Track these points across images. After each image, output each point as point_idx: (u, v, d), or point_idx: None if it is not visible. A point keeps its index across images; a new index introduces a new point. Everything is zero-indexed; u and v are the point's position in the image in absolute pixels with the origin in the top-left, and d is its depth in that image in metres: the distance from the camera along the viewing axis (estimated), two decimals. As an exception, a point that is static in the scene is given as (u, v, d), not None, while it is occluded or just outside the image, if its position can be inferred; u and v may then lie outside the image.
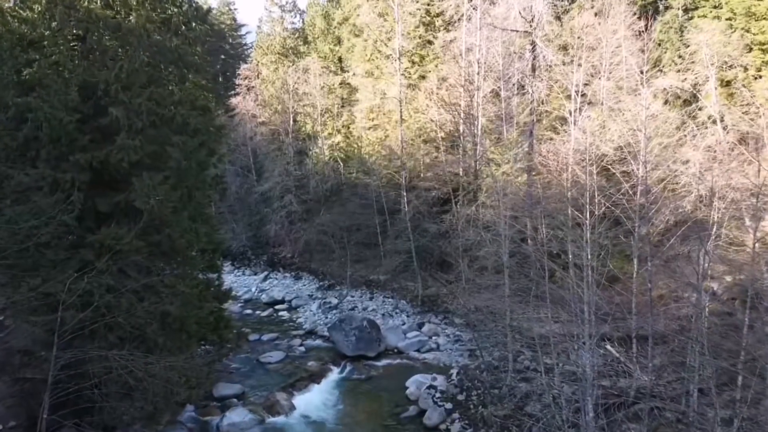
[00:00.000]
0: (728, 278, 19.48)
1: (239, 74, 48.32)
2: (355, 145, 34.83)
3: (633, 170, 16.08)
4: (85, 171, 13.88)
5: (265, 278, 33.32)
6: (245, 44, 62.93)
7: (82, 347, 12.84)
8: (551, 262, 20.25)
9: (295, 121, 40.08)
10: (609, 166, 17.29)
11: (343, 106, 43.77)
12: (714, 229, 15.41)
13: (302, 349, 23.07)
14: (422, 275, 26.97)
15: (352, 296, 28.67)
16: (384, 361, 21.97)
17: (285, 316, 27.51)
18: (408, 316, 25.91)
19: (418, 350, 22.85)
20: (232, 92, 47.25)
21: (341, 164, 34.19)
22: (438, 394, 18.47)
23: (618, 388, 17.56)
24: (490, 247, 24.85)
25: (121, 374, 13.32)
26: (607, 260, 16.21)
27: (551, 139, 24.02)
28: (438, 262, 29.14)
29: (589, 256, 14.20)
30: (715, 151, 17.77)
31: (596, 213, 15.03)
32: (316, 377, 20.59)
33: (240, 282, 33.64)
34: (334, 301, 28.27)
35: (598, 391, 15.34)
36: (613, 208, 16.44)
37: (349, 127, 39.74)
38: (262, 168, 37.19)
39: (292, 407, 18.40)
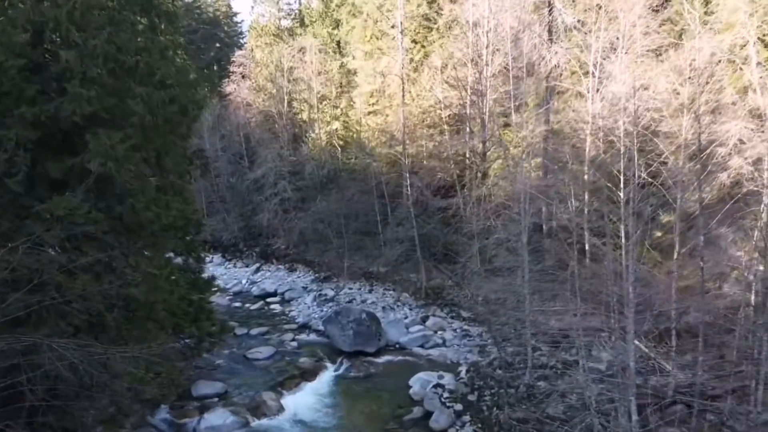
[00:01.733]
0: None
1: (233, 61, 46.21)
2: (355, 129, 32.65)
3: (677, 131, 13.84)
4: (32, 128, 11.69)
5: (257, 270, 31.12)
6: (241, 32, 60.89)
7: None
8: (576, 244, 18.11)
9: (290, 106, 37.98)
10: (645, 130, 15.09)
11: (341, 93, 41.68)
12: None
13: (294, 344, 20.87)
14: (426, 265, 24.75)
15: (350, 288, 26.46)
16: (384, 358, 19.78)
17: (277, 309, 25.31)
18: (410, 309, 23.72)
19: (422, 346, 20.66)
20: (226, 80, 45.16)
21: (339, 149, 31.98)
22: (446, 394, 16.29)
23: (652, 386, 15.42)
24: (502, 233, 22.70)
25: (76, 368, 11.15)
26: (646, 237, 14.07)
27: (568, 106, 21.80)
28: (443, 252, 26.96)
29: (631, 231, 11.96)
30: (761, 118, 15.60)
31: (636, 180, 12.82)
32: (308, 375, 18.41)
33: (230, 274, 31.47)
34: (331, 293, 26.08)
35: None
36: (650, 179, 14.30)
37: (348, 114, 37.63)
38: (255, 156, 34.98)
39: (281, 408, 16.22)
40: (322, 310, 24.06)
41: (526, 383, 16.04)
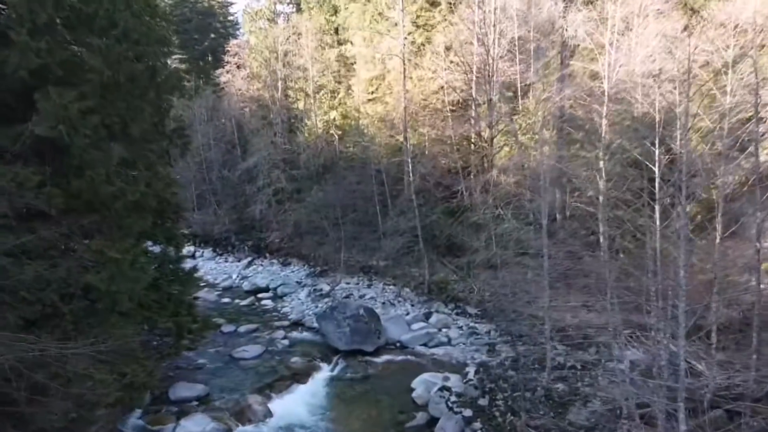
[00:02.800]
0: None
1: (228, 50, 44.49)
2: (353, 116, 30.90)
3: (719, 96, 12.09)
4: (-29, 86, 9.94)
5: (249, 264, 29.35)
6: (236, 23, 59.12)
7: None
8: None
9: (285, 95, 36.24)
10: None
11: (339, 83, 40.01)
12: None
13: (285, 342, 19.10)
14: (429, 258, 22.98)
15: (347, 283, 24.70)
16: (384, 357, 18.03)
17: (268, 305, 23.54)
18: (412, 306, 21.95)
19: (425, 344, 18.90)
20: (221, 70, 43.43)
21: (336, 137, 30.21)
22: (453, 398, 14.53)
23: (688, 389, 13.66)
24: (513, 221, 20.95)
25: (20, 368, 9.43)
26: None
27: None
28: (446, 244, 25.21)
29: (682, 210, 10.21)
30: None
31: (687, 142, 11.06)
32: (300, 376, 16.64)
33: (220, 269, 29.72)
34: (326, 288, 24.31)
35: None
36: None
37: (346, 104, 35.92)
38: (248, 145, 33.19)
39: (268, 413, 14.46)
40: (316, 306, 22.30)
41: (544, 386, 14.26)
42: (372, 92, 35.31)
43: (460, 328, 20.15)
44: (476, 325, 20.23)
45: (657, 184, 11.72)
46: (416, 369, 16.99)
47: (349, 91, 36.92)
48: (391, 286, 23.77)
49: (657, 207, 11.80)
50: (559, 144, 21.26)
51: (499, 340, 18.88)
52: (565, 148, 21.62)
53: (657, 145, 12.04)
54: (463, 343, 19.06)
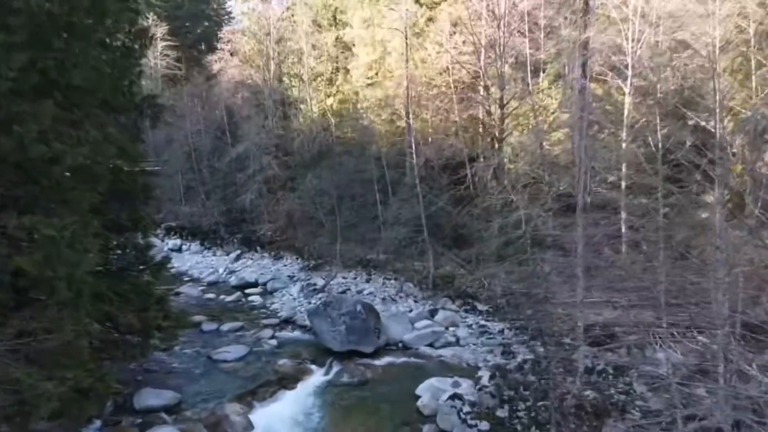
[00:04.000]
0: None
1: (221, 38, 42.38)
2: (351, 98, 28.76)
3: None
4: None
5: (237, 258, 27.17)
6: (230, 12, 56.97)
7: None
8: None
9: (279, 81, 34.10)
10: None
11: (337, 70, 37.90)
12: None
13: (273, 342, 16.92)
14: (435, 250, 20.82)
15: (344, 277, 22.54)
16: (385, 359, 15.87)
17: (256, 301, 21.35)
18: (416, 302, 19.79)
19: (430, 345, 16.74)
20: (212, 56, 41.30)
21: (333, 122, 28.04)
22: (466, 408, 12.37)
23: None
24: (529, 207, 18.81)
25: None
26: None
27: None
28: (452, 235, 23.07)
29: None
30: None
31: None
32: (288, 381, 14.46)
33: (206, 263, 27.56)
34: (321, 282, 22.13)
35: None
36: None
37: (344, 91, 33.79)
38: (239, 131, 31.01)
39: (249, 425, 12.28)
40: (309, 303, 20.14)
41: (575, 393, 12.09)
42: (371, 77, 33.25)
43: (470, 326, 18.00)
44: (487, 323, 18.09)
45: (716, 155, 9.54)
46: (421, 373, 14.84)
47: (347, 77, 34.85)
48: (392, 281, 21.61)
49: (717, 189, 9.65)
50: (580, 124, 19.09)
51: (515, 340, 16.73)
52: (585, 128, 19.49)
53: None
54: (474, 344, 16.92)
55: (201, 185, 31.83)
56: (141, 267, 13.86)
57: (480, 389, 13.34)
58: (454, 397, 12.79)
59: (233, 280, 23.91)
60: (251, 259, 26.98)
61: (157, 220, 35.16)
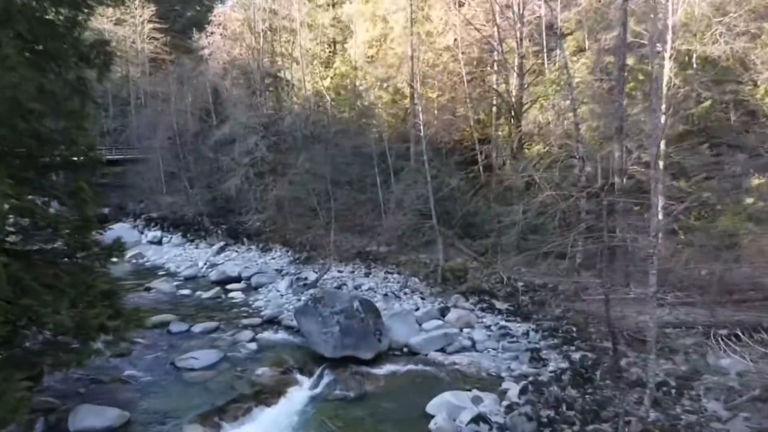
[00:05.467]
0: None
1: (212, 20, 39.54)
2: (350, 74, 25.96)
3: None
4: None
5: (221, 250, 24.31)
6: (224, -4, 54.05)
7: None
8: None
9: (271, 61, 31.30)
10: None
11: (334, 52, 35.18)
12: None
13: (253, 346, 14.05)
14: (445, 238, 18.00)
15: (340, 271, 19.71)
16: (387, 367, 13.05)
17: (237, 298, 18.50)
18: (423, 299, 16.96)
19: (442, 350, 13.93)
20: (200, 34, 38.46)
21: (329, 99, 25.21)
22: (494, 433, 9.52)
23: None
24: (558, 187, 15.99)
25: None
26: None
27: None
28: (463, 224, 20.26)
29: None
30: None
31: None
32: (268, 395, 11.64)
33: (186, 255, 24.72)
34: (312, 276, 19.27)
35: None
36: None
37: (342, 71, 31.05)
38: (226, 113, 28.15)
39: (212, 456, 9.44)
40: (299, 300, 17.30)
41: (641, 416, 9.22)
42: (371, 56, 30.54)
43: (488, 327, 15.17)
44: (508, 323, 15.25)
45: None
46: (432, 385, 12.06)
47: (345, 56, 32.12)
48: (395, 275, 18.79)
49: None
50: (618, 88, 16.28)
51: (543, 345, 13.88)
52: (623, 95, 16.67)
53: None
54: (493, 348, 14.09)
55: (185, 172, 28.96)
56: (80, 252, 11.01)
57: (509, 407, 10.49)
58: (478, 419, 9.95)
59: (214, 274, 21.04)
60: (236, 251, 24.14)
61: (138, 210, 32.65)
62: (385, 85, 28.09)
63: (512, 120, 19.21)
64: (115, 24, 44.29)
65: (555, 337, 14.20)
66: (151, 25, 44.49)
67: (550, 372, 12.47)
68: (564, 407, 10.16)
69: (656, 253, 8.71)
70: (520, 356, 13.42)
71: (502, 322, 15.31)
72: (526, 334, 14.60)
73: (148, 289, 19.30)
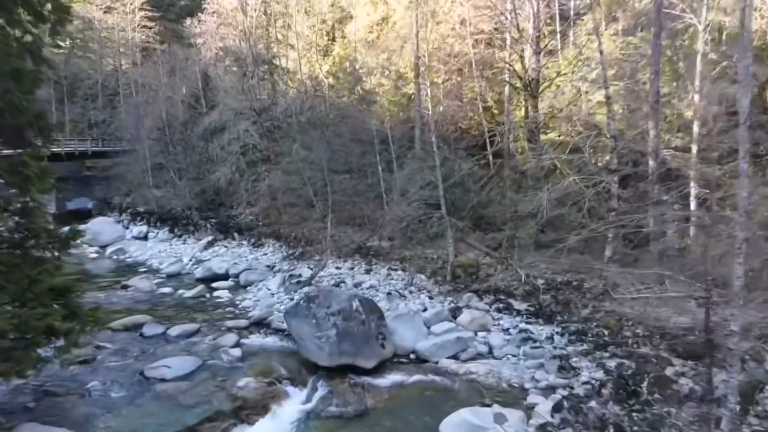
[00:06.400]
0: None
1: (206, 7, 37.70)
2: (351, 56, 24.13)
3: None
4: None
5: (209, 245, 22.44)
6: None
7: None
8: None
9: (267, 46, 29.51)
10: None
11: (333, 39, 33.34)
12: None
13: (236, 353, 12.16)
14: (455, 231, 16.15)
15: (338, 268, 17.85)
16: (392, 377, 11.20)
17: (223, 297, 16.63)
18: (431, 298, 15.11)
19: (455, 357, 12.09)
20: (191, 19, 36.62)
21: (326, 83, 23.35)
22: (528, 465, 7.66)
23: None
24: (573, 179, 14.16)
25: None
26: None
27: None
28: (473, 217, 18.43)
29: None
30: None
31: None
32: (250, 412, 9.79)
33: (171, 251, 22.86)
34: (307, 273, 17.40)
35: None
36: None
37: (341, 57, 29.23)
38: (216, 98, 26.29)
39: (177, 490, 7.57)
40: (291, 299, 15.45)
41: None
42: (372, 41, 28.74)
43: (506, 330, 13.32)
44: (529, 326, 13.39)
45: None
46: (445, 398, 10.26)
47: (345, 41, 30.30)
48: (399, 272, 16.93)
49: None
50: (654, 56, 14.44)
51: (572, 351, 12.03)
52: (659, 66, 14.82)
53: None
54: (513, 355, 12.25)
55: (173, 163, 27.10)
56: (26, 240, 9.16)
57: (542, 428, 8.64)
58: (505, 445, 8.11)
59: (199, 271, 19.18)
60: (225, 246, 22.27)
61: (124, 204, 30.78)
62: (386, 72, 26.40)
63: (529, 101, 17.35)
64: (105, 12, 42.46)
65: (584, 342, 12.36)
66: (142, 13, 42.62)
67: (584, 383, 10.64)
68: (611, 427, 8.31)
69: (744, 240, 6.85)
70: (545, 364, 11.57)
71: (522, 325, 13.45)
72: (550, 338, 12.75)
73: (124, 287, 17.45)
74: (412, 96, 23.63)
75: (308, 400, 10.41)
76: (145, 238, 25.66)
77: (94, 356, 11.93)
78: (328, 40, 33.48)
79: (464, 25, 21.79)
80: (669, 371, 10.64)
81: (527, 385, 10.87)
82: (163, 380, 10.83)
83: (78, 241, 10.33)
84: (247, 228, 22.88)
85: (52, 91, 41.30)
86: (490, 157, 19.52)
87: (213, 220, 24.25)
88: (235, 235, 22.86)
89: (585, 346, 12.15)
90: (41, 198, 9.29)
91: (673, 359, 11.15)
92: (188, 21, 35.86)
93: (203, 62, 30.72)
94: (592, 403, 9.39)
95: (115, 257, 22.99)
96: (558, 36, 21.24)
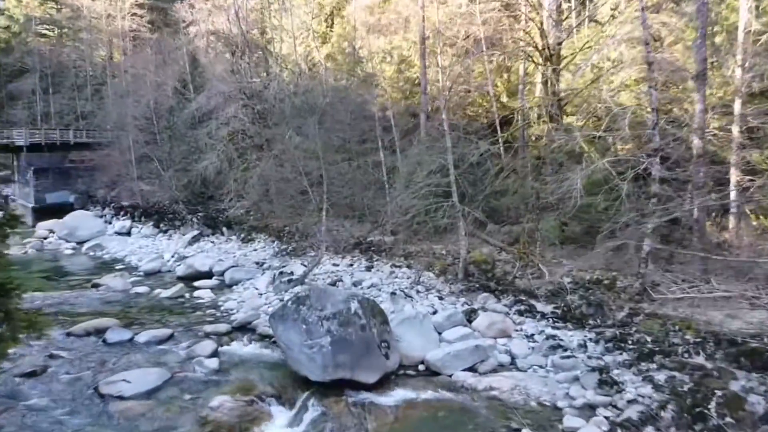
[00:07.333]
0: None
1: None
2: (349, 36, 22.28)
3: None
4: None
5: (194, 240, 20.55)
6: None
7: None
8: None
9: (262, 33, 27.66)
10: None
11: (331, 26, 31.50)
12: None
13: (213, 364, 10.21)
14: (467, 222, 14.22)
15: (335, 265, 15.97)
16: (398, 394, 9.30)
17: (205, 297, 14.72)
18: (441, 299, 13.21)
19: (472, 369, 10.17)
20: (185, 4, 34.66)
21: (323, 64, 21.46)
22: None
23: None
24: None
25: None
26: None
27: None
28: (485, 208, 16.53)
29: None
30: None
31: None
32: (224, 439, 7.88)
33: (153, 247, 20.97)
34: (300, 270, 15.48)
35: None
36: None
37: (340, 36, 27.41)
38: (204, 82, 24.43)
39: None
40: (281, 300, 13.53)
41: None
42: (373, 24, 26.91)
43: (530, 337, 11.42)
44: (557, 331, 11.49)
45: None
46: (463, 420, 8.41)
47: (344, 25, 28.47)
48: (404, 269, 15.02)
49: None
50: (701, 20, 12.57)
51: (611, 361, 10.12)
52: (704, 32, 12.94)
53: None
54: (541, 366, 10.34)
55: (160, 153, 25.20)
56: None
57: (591, 467, 6.75)
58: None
59: (180, 268, 17.30)
60: (212, 242, 20.39)
61: (108, 197, 28.95)
62: (388, 58, 24.64)
63: (549, 77, 15.43)
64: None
65: (624, 350, 10.45)
66: (131, 0, 40.77)
67: (630, 402, 8.75)
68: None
69: None
70: (581, 378, 9.65)
71: (549, 330, 11.54)
72: (583, 345, 10.83)
73: (95, 286, 15.59)
74: (417, 80, 21.86)
75: (296, 422, 8.52)
76: (129, 233, 23.80)
77: (44, 367, 10.05)
78: (327, 27, 31.71)
79: (473, 2, 19.97)
80: (734, 386, 8.77)
81: (560, 404, 8.98)
82: (120, 398, 8.92)
83: (16, 230, 8.49)
84: (236, 222, 21.02)
85: (38, 81, 39.56)
86: (500, 141, 17.69)
87: (200, 214, 22.35)
88: (224, 229, 20.98)
89: (626, 356, 10.24)
90: None
91: (736, 371, 9.29)
92: (178, 4, 34.08)
93: (191, 44, 28.89)
94: (649, 429, 7.51)
95: (92, 253, 21.12)
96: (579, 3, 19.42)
